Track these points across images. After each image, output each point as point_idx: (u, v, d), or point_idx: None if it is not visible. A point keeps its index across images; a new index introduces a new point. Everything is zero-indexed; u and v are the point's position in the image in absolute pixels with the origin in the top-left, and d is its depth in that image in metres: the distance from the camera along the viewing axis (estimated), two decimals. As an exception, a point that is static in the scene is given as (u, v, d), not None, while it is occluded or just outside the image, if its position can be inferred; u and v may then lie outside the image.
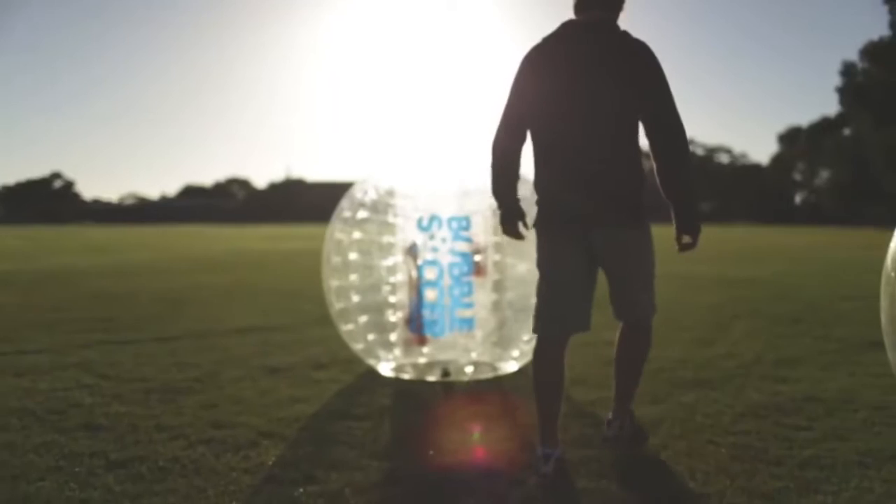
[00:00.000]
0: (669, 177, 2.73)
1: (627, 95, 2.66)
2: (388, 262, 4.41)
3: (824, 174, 70.09)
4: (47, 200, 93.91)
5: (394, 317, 4.49)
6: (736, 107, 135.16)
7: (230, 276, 11.53)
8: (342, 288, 4.45)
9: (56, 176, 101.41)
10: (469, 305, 4.18)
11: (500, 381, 4.36)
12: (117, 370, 4.59)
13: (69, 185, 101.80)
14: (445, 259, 4.16)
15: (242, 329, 6.21)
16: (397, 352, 4.50)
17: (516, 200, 2.91)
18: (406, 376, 4.40)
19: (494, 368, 4.52)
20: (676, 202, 2.75)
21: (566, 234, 2.77)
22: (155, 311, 7.38)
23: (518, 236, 2.96)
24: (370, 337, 4.46)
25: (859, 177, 53.33)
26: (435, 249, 4.16)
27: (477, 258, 4.26)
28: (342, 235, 4.47)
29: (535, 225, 2.87)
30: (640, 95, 2.66)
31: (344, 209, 4.54)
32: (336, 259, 4.48)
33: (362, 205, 4.54)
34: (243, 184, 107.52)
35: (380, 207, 4.48)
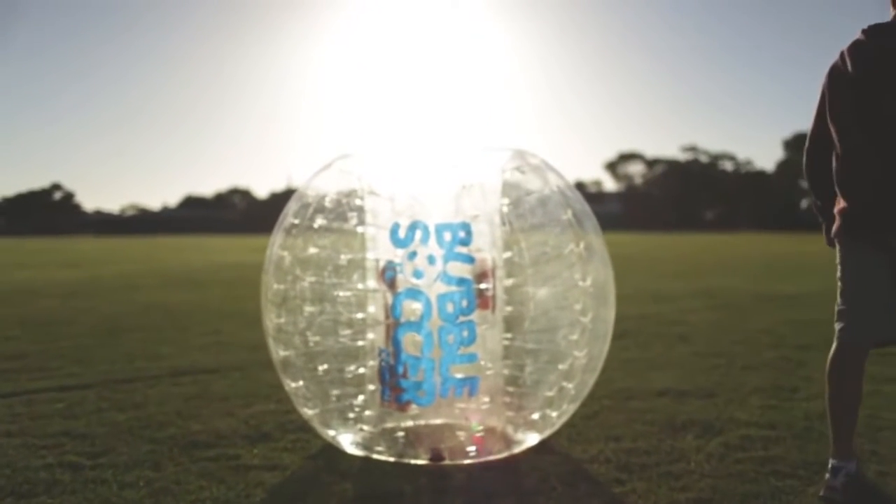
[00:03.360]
0: None
1: None
2: (353, 289, 3.03)
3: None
4: (47, 212, 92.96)
5: (362, 369, 3.11)
6: (740, 113, 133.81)
7: (197, 295, 10.14)
8: (286, 329, 3.06)
9: (56, 187, 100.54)
10: (471, 358, 2.78)
11: (518, 466, 2.96)
12: (-31, 447, 3.21)
13: (69, 197, 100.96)
14: (434, 288, 2.77)
15: (179, 371, 4.82)
16: (367, 419, 3.12)
17: None
18: (379, 456, 3.01)
19: (508, 443, 3.13)
20: None
21: (874, 243, 2.58)
22: (85, 343, 5.99)
23: None
24: (327, 398, 3.08)
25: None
26: (418, 274, 2.76)
27: (483, 286, 2.87)
28: (285, 253, 3.09)
29: (844, 232, 2.66)
30: None
31: (289, 215, 3.16)
32: (277, 287, 3.09)
33: (318, 210, 3.15)
34: (244, 194, 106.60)
35: (340, 211, 3.09)
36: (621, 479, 2.77)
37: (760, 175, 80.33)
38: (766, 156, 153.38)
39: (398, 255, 2.83)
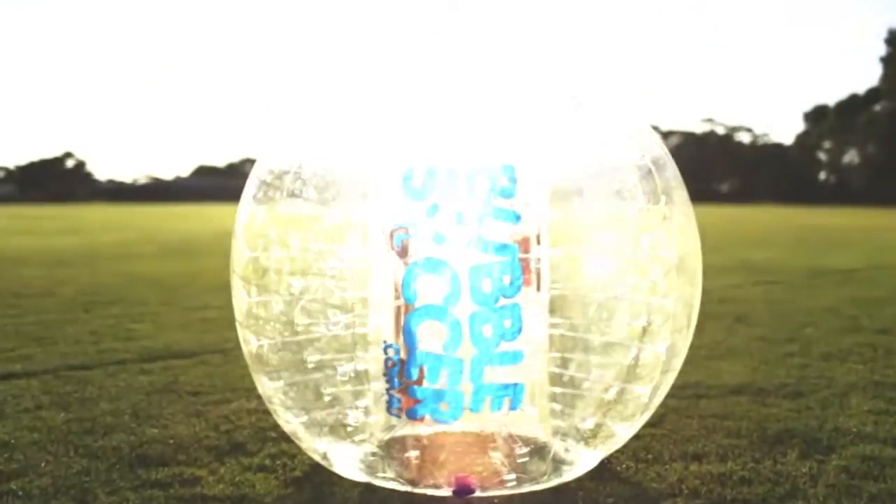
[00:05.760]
0: None
1: None
2: (348, 259, 2.23)
3: (852, 153, 67.98)
4: (60, 180, 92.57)
5: (361, 365, 2.31)
6: (757, 85, 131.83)
7: (192, 265, 9.38)
8: (258, 313, 2.27)
9: (68, 155, 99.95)
10: (514, 358, 1.98)
11: (574, 500, 2.18)
12: None
13: (81, 165, 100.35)
14: (464, 258, 1.96)
15: (149, 356, 4.05)
16: (369, 432, 2.33)
17: None
18: (385, 483, 2.23)
19: (557, 465, 2.34)
20: None
21: None
22: (52, 319, 5.24)
23: None
24: (314, 403, 2.30)
25: (893, 154, 51.16)
26: (440, 238, 1.96)
27: (529, 255, 2.06)
28: (259, 209, 2.29)
29: None
30: None
31: (265, 167, 2.36)
32: (248, 255, 2.30)
33: (306, 156, 2.34)
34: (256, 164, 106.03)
35: (334, 155, 2.28)
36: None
37: (778, 147, 79.03)
38: (784, 128, 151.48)
39: (413, 211, 2.02)
